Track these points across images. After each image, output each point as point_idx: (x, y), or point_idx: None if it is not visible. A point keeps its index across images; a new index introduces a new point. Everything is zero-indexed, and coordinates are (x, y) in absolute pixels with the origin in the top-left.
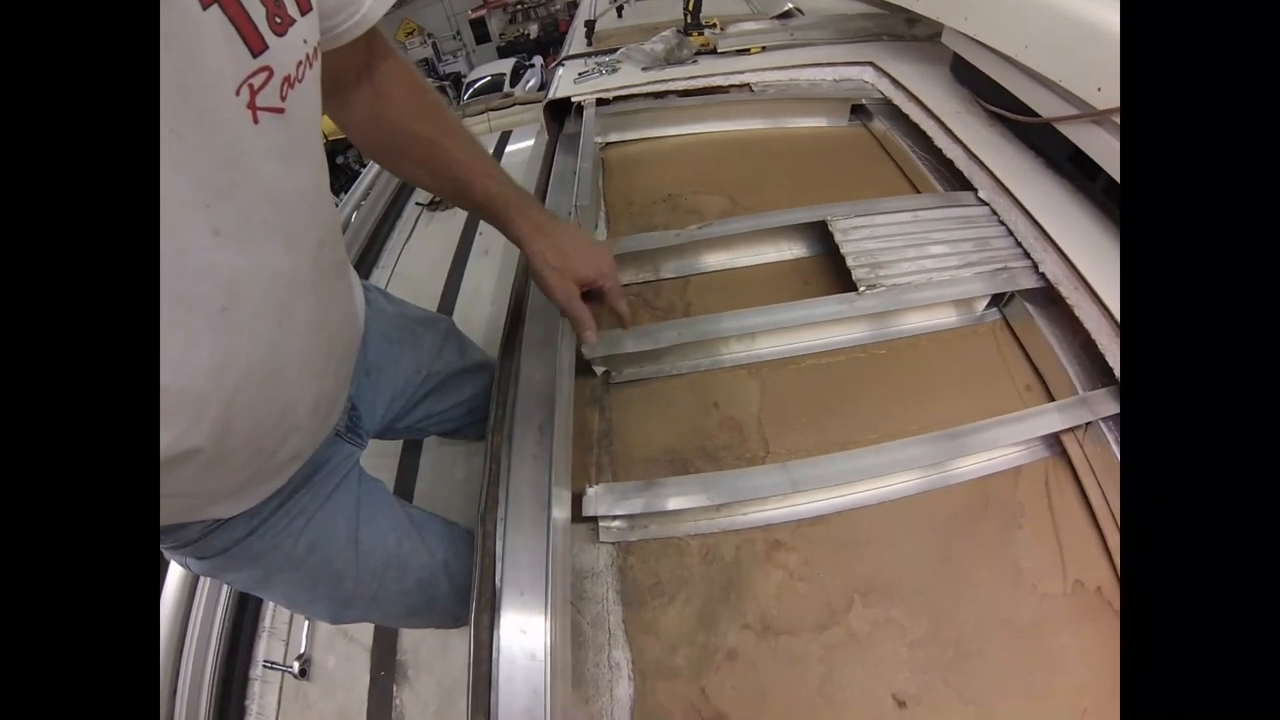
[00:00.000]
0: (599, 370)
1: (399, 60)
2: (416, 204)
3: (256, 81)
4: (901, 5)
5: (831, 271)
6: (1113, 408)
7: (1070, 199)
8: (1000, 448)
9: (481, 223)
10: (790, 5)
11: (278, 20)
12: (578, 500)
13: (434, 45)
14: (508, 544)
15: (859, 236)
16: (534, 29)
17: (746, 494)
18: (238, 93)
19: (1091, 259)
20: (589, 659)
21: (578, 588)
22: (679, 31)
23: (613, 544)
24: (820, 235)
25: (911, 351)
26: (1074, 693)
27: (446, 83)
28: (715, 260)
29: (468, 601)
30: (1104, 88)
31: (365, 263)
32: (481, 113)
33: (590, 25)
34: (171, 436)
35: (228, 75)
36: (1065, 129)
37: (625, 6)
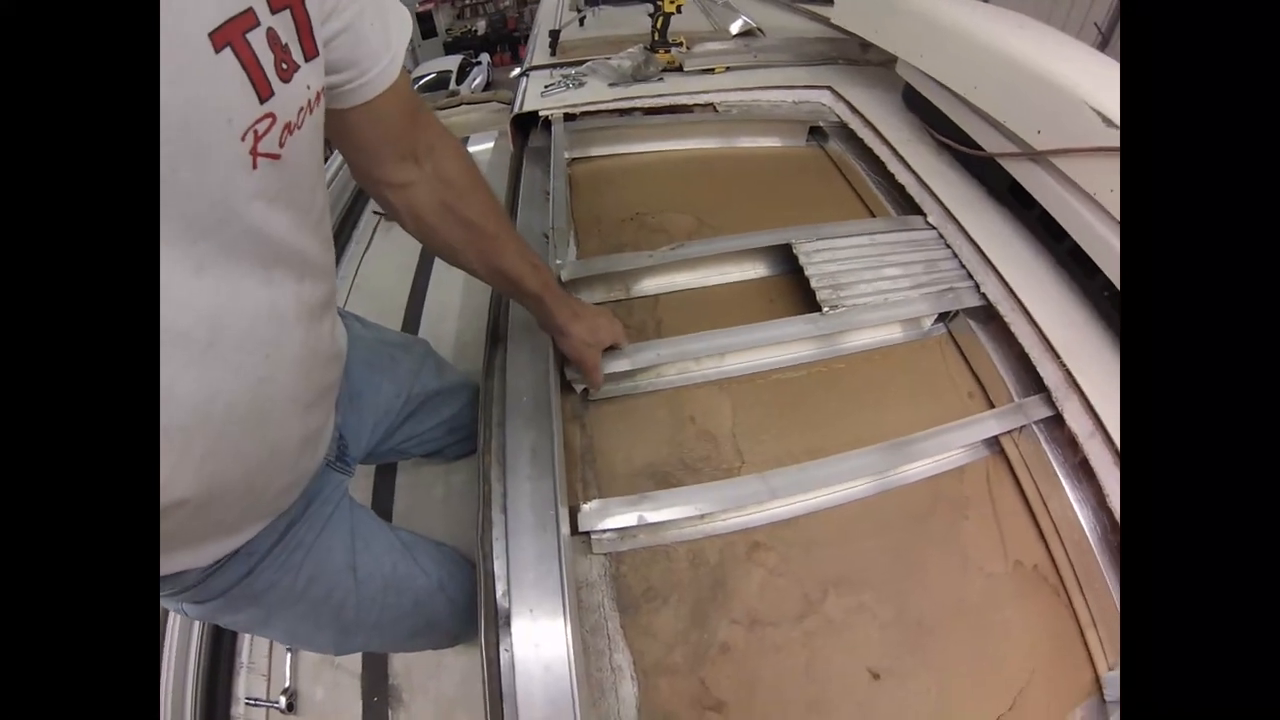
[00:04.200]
0: (578, 388)
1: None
2: (374, 213)
3: (261, 128)
4: (860, 35)
5: (794, 290)
6: (1044, 412)
7: (1008, 226)
8: (948, 451)
9: None
10: (746, 22)
11: (284, 66)
12: (572, 515)
13: None
14: (512, 563)
15: (821, 259)
16: (482, 25)
17: (732, 503)
18: (243, 138)
19: (1026, 281)
20: (592, 664)
21: (574, 598)
22: (646, 48)
23: (605, 554)
24: (784, 256)
25: (867, 365)
26: (1021, 657)
27: None
28: (684, 279)
29: (467, 620)
30: (1043, 130)
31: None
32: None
33: (555, 35)
34: (162, 475)
35: (235, 120)
36: (1007, 164)
37: (587, 17)
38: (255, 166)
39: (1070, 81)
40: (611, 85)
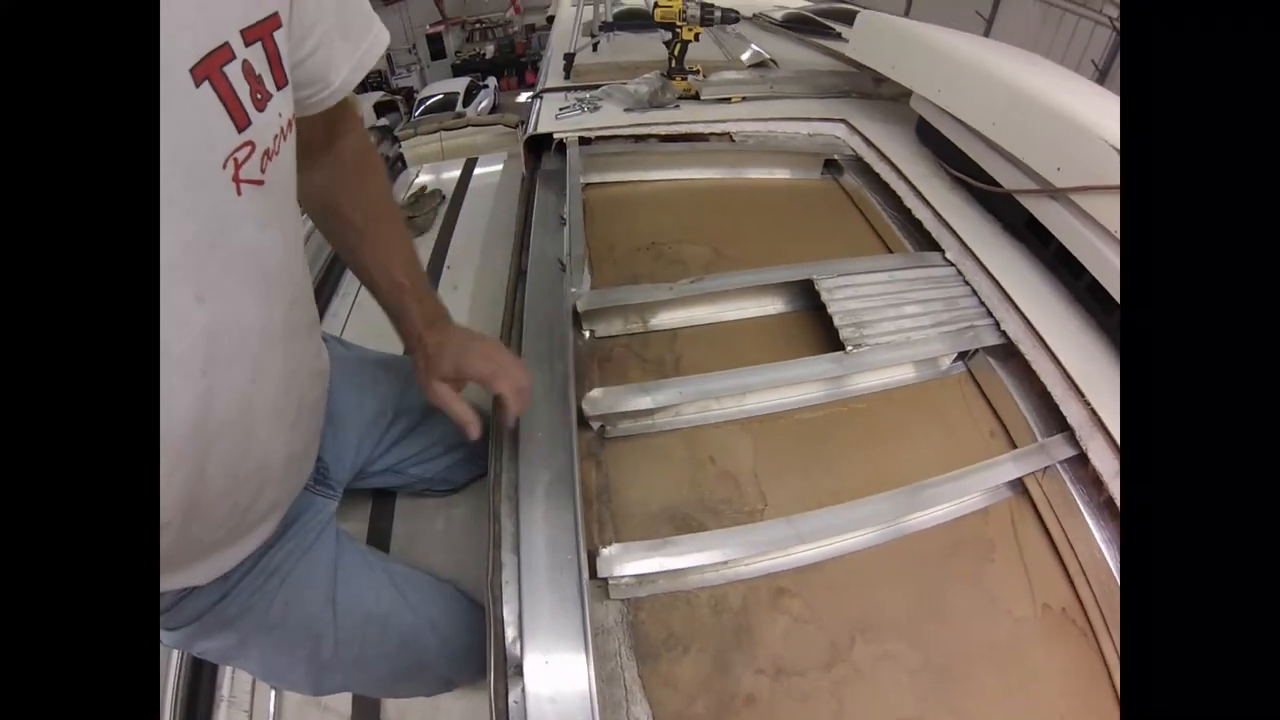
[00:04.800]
0: (595, 425)
1: (363, 135)
2: None
3: (241, 155)
4: (877, 70)
5: (814, 327)
6: (1068, 451)
7: (1026, 262)
8: (971, 493)
9: (450, 255)
10: (758, 52)
11: (258, 96)
12: (590, 560)
13: (388, 57)
14: (525, 609)
15: (843, 296)
16: (490, 49)
17: (759, 548)
18: (224, 166)
19: (1046, 319)
20: (608, 716)
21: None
22: (663, 75)
23: (622, 600)
24: (802, 291)
25: (887, 405)
26: (1051, 701)
27: (398, 97)
28: (702, 313)
29: (463, 664)
30: (1063, 168)
31: (324, 291)
32: (434, 131)
33: (569, 59)
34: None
35: (217, 149)
36: (1025, 200)
37: (601, 42)
38: (240, 193)
39: (1090, 120)
40: (627, 110)
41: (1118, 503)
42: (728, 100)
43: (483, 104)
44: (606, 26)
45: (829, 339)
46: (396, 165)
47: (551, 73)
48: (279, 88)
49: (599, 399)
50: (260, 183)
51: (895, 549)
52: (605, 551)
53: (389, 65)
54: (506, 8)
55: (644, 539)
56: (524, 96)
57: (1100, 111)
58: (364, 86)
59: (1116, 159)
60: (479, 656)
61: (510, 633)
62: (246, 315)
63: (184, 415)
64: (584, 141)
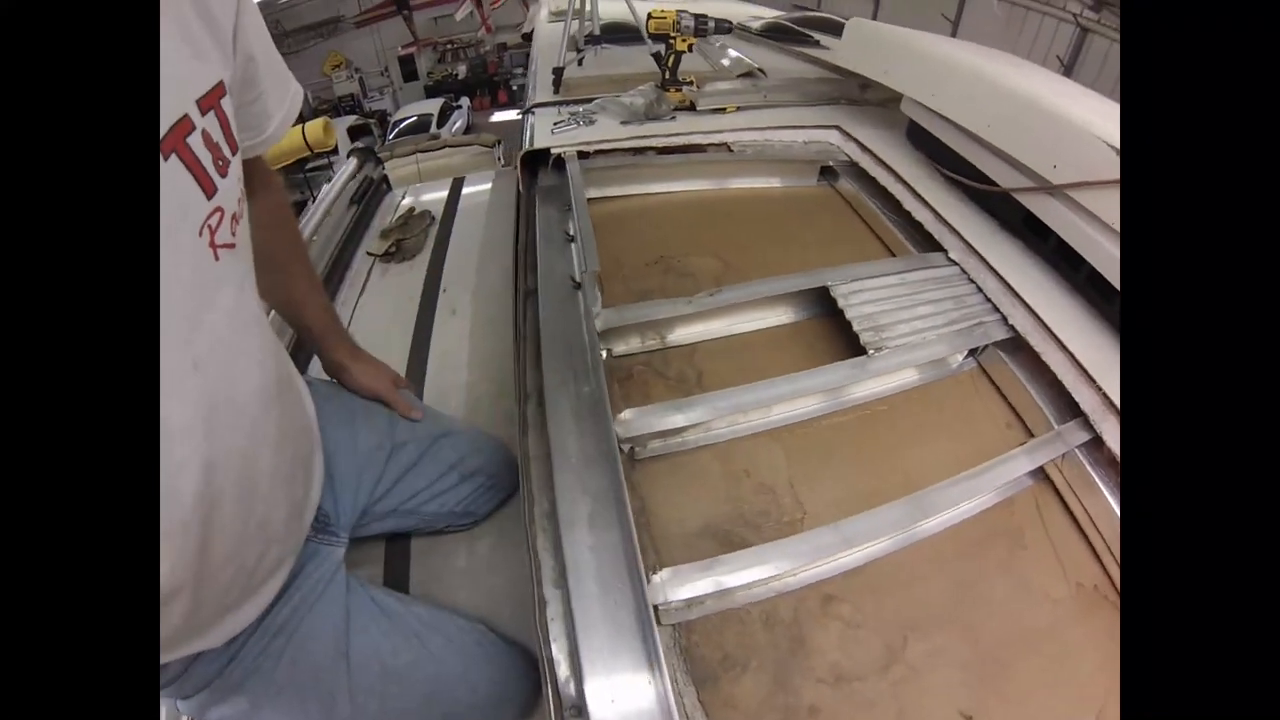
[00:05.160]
0: (625, 447)
1: (276, 177)
2: (368, 254)
3: (214, 222)
4: (867, 76)
5: (831, 333)
6: (1084, 436)
7: (1026, 258)
8: (996, 485)
9: (445, 277)
10: (739, 58)
11: (220, 163)
12: None
13: (360, 80)
14: (581, 644)
15: (859, 301)
16: (462, 69)
17: (809, 557)
18: (200, 234)
19: (1051, 310)
20: None
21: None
22: (657, 87)
23: (673, 625)
24: (815, 298)
25: (907, 405)
26: (1095, 675)
27: (372, 120)
28: (719, 326)
29: (497, 714)
30: (1059, 165)
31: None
32: (410, 154)
33: (558, 73)
34: (163, 567)
35: (190, 218)
36: (1023, 198)
37: (586, 55)
38: (218, 258)
39: (1082, 118)
40: (624, 123)
41: None
42: (723, 110)
43: (457, 124)
44: (594, 39)
45: (846, 344)
46: (381, 187)
47: (540, 88)
48: (233, 152)
49: (631, 420)
50: (233, 246)
51: (931, 545)
52: (656, 578)
53: (362, 88)
54: (478, 27)
55: (688, 560)
56: (497, 116)
57: (1091, 110)
58: (337, 111)
59: (1112, 155)
60: (517, 703)
61: (562, 672)
62: (242, 378)
63: (189, 484)
64: (582, 156)
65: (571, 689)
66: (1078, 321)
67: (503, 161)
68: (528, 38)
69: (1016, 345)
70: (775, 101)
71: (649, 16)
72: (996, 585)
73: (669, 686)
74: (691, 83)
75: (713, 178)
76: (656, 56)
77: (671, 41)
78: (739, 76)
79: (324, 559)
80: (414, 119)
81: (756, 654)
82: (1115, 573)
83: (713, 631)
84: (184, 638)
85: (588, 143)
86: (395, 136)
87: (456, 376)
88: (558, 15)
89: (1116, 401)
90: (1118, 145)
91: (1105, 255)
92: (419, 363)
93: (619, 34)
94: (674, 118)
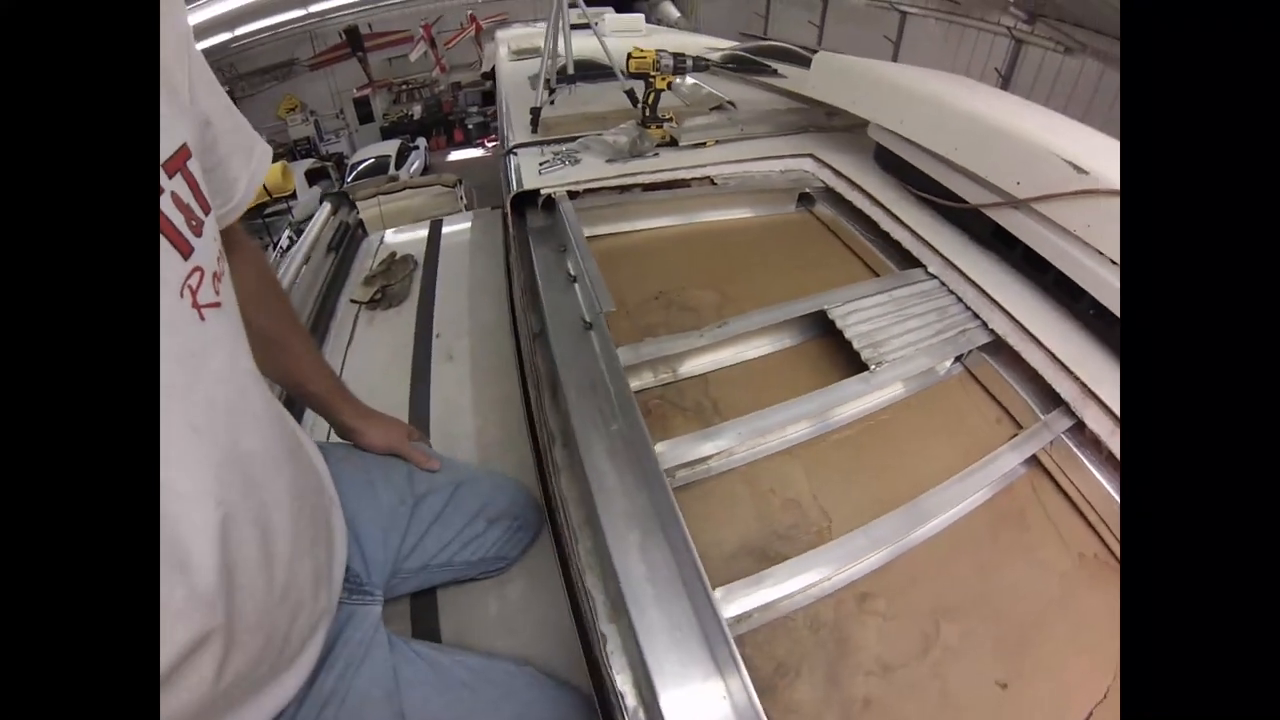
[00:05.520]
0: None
1: (255, 248)
2: (352, 301)
3: (194, 282)
4: (837, 105)
5: (831, 353)
6: (1067, 422)
7: (997, 266)
8: (996, 475)
9: (436, 322)
10: (709, 95)
11: (193, 223)
12: None
13: (316, 123)
14: (654, 674)
15: (855, 320)
16: (418, 110)
17: (847, 560)
18: (181, 294)
19: (1026, 312)
20: None
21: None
22: (639, 124)
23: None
24: (812, 321)
25: (906, 412)
26: (1110, 636)
27: (329, 163)
28: (726, 355)
29: None
30: (1022, 181)
31: None
32: (371, 196)
33: (536, 113)
34: (188, 637)
35: (170, 281)
36: (990, 212)
37: (558, 94)
38: (204, 318)
39: (1042, 138)
40: (609, 161)
41: (1117, 455)
42: (703, 145)
43: (415, 165)
44: (568, 78)
45: (846, 361)
46: (357, 232)
47: (517, 128)
48: (205, 212)
49: (665, 452)
50: (218, 305)
51: (946, 537)
52: (717, 593)
53: (317, 131)
54: (432, 68)
55: (728, 580)
56: (454, 155)
57: (1048, 129)
58: (293, 155)
59: (1070, 170)
60: None
61: (631, 701)
62: (246, 439)
63: (208, 549)
64: (572, 195)
65: (642, 716)
66: (1050, 320)
67: (465, 200)
68: (488, 76)
69: (998, 347)
70: (750, 134)
71: (629, 56)
72: (1010, 565)
73: (749, 687)
74: (671, 119)
75: (698, 211)
76: (630, 93)
77: (651, 80)
78: (712, 110)
79: (361, 620)
80: (371, 161)
81: (806, 658)
82: (1111, 541)
83: (763, 643)
84: (220, 713)
85: (577, 182)
86: (353, 179)
87: (463, 423)
88: (520, 54)
89: (1094, 389)
90: (1074, 161)
91: (1068, 258)
92: (421, 411)
93: (587, 70)
94: (657, 154)
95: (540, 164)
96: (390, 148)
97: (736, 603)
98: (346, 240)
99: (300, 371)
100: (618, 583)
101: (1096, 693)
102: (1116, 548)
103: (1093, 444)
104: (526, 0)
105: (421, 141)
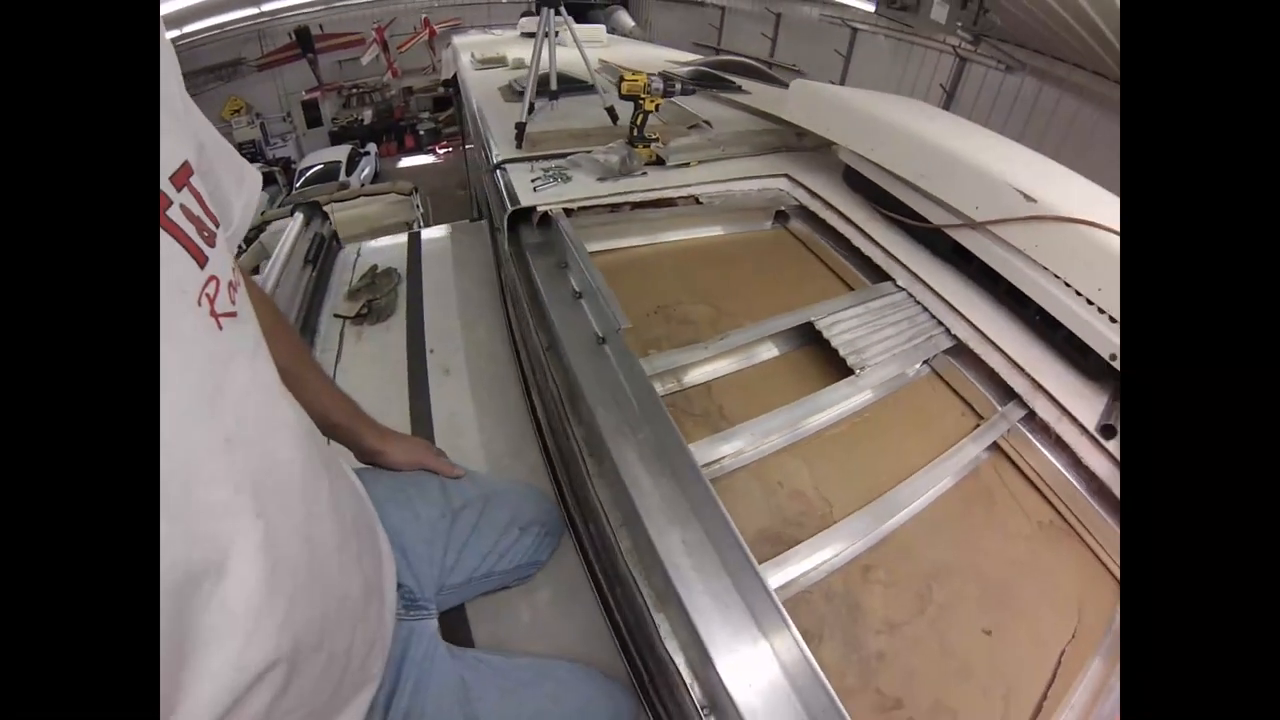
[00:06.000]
0: None
1: (256, 284)
2: (335, 316)
3: (210, 291)
4: (814, 131)
5: (818, 360)
6: (1020, 412)
7: (958, 280)
8: (965, 460)
9: (429, 337)
10: (685, 114)
11: (205, 234)
12: None
13: (262, 126)
14: (712, 651)
15: (839, 330)
16: (368, 114)
17: (846, 541)
18: (199, 303)
19: (982, 319)
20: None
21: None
22: (628, 144)
23: None
24: (801, 332)
25: (884, 410)
26: (1072, 584)
27: (276, 168)
28: (725, 365)
29: None
30: (980, 206)
31: None
32: (324, 204)
33: (521, 128)
34: (254, 655)
35: (188, 290)
36: (952, 233)
37: (536, 109)
38: (221, 327)
39: (998, 168)
40: (600, 180)
41: (1065, 439)
42: (687, 165)
43: (365, 171)
44: (551, 94)
45: (833, 367)
46: (332, 244)
47: (500, 142)
48: (216, 225)
49: (694, 452)
50: (234, 314)
51: (929, 514)
52: (762, 567)
53: (263, 134)
54: (384, 72)
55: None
56: (405, 161)
57: (1004, 160)
58: None
59: (1020, 198)
60: None
61: (689, 677)
62: (280, 449)
63: (249, 564)
64: (568, 213)
65: (699, 691)
66: (1004, 326)
67: (421, 209)
68: (449, 84)
69: (960, 350)
70: (731, 154)
71: (621, 79)
72: (983, 534)
73: (799, 640)
74: (658, 139)
75: (684, 228)
76: (610, 110)
77: (641, 102)
78: (690, 128)
79: (421, 636)
80: (320, 167)
81: (826, 625)
82: (1064, 510)
83: (789, 616)
84: None
85: (573, 200)
86: (302, 185)
87: (469, 437)
88: (486, 63)
89: (1042, 382)
90: (1026, 191)
91: (1019, 274)
92: (424, 427)
93: (566, 85)
94: (645, 173)
95: (533, 180)
96: (340, 153)
97: (787, 571)
98: (323, 253)
99: (321, 404)
100: (664, 572)
101: (1066, 634)
102: (1069, 515)
103: (1043, 430)
104: (480, 6)
105: (372, 147)
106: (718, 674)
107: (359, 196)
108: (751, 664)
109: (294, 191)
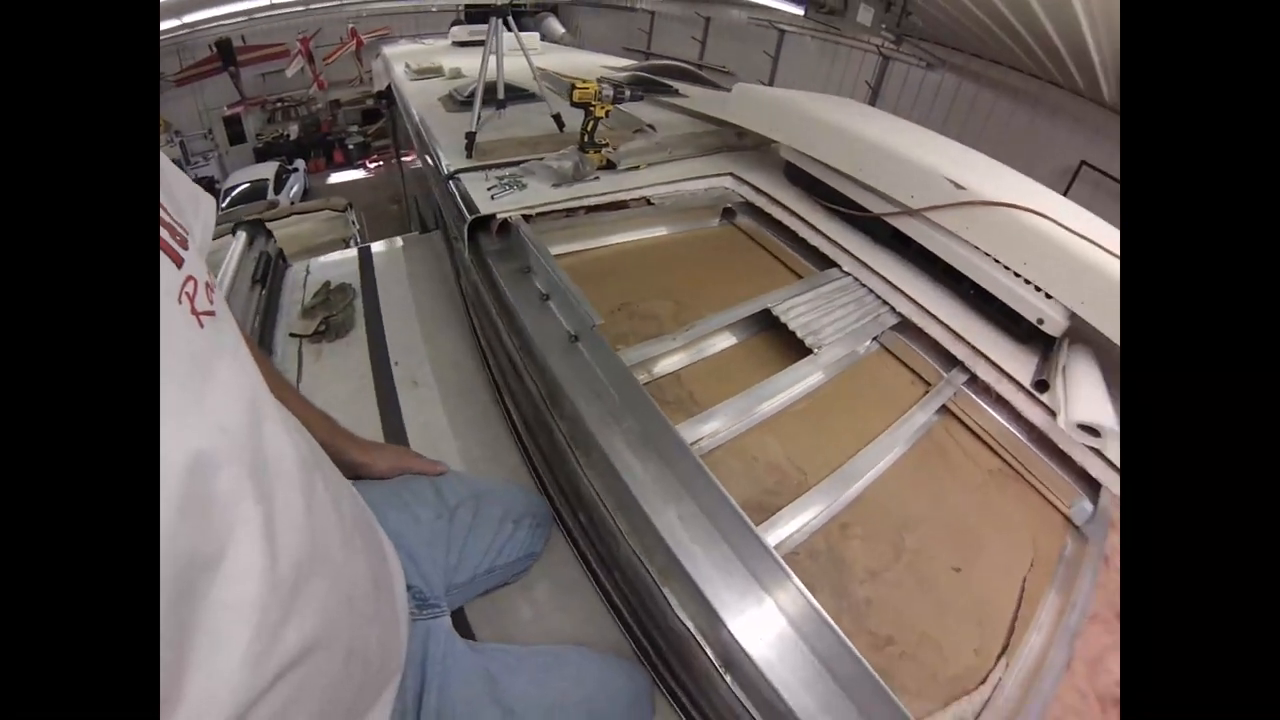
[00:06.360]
0: None
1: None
2: (291, 335)
3: (189, 289)
4: (756, 131)
5: (776, 343)
6: (964, 377)
7: (898, 263)
8: (918, 423)
9: (392, 349)
10: (629, 118)
11: (178, 237)
12: None
13: (182, 144)
14: (718, 607)
15: (794, 314)
16: (294, 130)
17: (823, 503)
18: (179, 301)
19: (923, 296)
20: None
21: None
22: (579, 149)
23: None
24: (759, 318)
25: (840, 383)
26: (1024, 521)
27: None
28: (691, 354)
29: (642, 713)
30: (915, 195)
31: None
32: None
33: (471, 138)
34: (263, 649)
35: (169, 288)
36: (891, 220)
37: (484, 118)
38: (202, 325)
39: (929, 161)
40: (555, 185)
41: (1004, 396)
42: (636, 168)
43: (295, 189)
44: (499, 103)
45: (791, 348)
46: (278, 262)
47: (449, 153)
48: (186, 232)
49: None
50: (213, 313)
51: (893, 472)
52: (765, 524)
53: (183, 153)
54: (309, 84)
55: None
56: (335, 177)
57: (935, 153)
58: None
59: (950, 186)
60: (643, 702)
61: (704, 639)
62: (271, 441)
63: (255, 549)
64: (526, 219)
65: (713, 653)
66: (942, 301)
67: (356, 225)
68: (381, 95)
69: (905, 326)
70: (677, 156)
71: (573, 87)
72: (942, 484)
73: (804, 590)
74: (608, 144)
75: (638, 229)
76: (557, 117)
77: (592, 109)
78: (635, 132)
79: (437, 633)
80: (247, 185)
81: (816, 580)
82: (1008, 458)
83: None
84: None
85: (530, 206)
86: (229, 206)
87: (445, 445)
88: (422, 73)
89: (980, 348)
90: (955, 179)
91: (953, 254)
92: (398, 440)
93: (512, 94)
94: (597, 178)
95: (489, 189)
96: (267, 171)
97: (786, 528)
98: (271, 271)
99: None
100: (666, 549)
101: (1025, 563)
102: (1014, 461)
103: (985, 390)
104: (408, 16)
105: (300, 163)
106: (730, 633)
107: (291, 215)
108: (760, 620)
109: (220, 211)
